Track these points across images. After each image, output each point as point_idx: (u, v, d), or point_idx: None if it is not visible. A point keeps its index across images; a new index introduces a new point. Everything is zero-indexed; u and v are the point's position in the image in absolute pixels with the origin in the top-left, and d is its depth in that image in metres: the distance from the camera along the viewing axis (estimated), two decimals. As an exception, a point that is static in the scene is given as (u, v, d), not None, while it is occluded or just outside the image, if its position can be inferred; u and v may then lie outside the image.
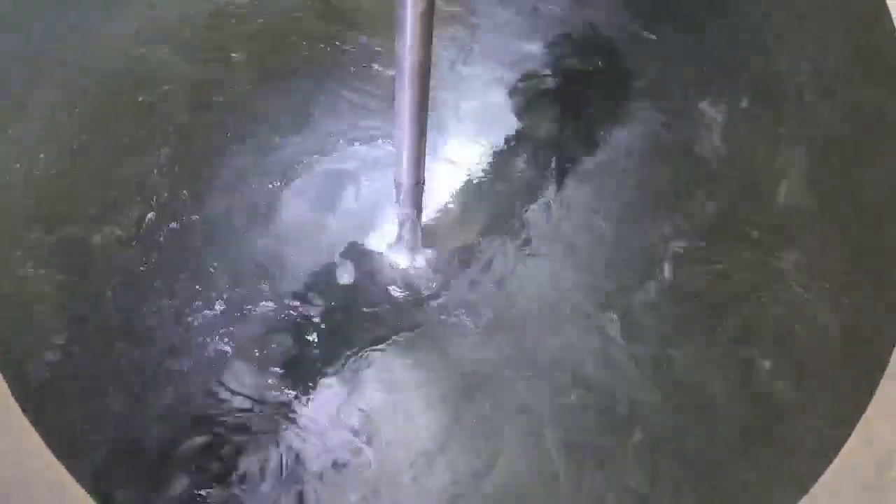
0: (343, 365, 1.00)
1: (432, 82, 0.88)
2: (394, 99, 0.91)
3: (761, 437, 0.94)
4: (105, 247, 1.05)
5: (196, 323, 1.01)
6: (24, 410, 0.91)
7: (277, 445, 0.95)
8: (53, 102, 1.14)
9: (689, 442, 0.96)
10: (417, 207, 1.07)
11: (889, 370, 0.89)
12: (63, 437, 0.91)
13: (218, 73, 1.20)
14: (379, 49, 1.22)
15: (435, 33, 0.83)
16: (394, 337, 1.03)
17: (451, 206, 1.14)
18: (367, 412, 0.97)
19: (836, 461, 0.86)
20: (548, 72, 1.23)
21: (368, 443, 0.95)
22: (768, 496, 0.89)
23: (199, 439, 0.94)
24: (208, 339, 1.01)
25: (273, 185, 1.12)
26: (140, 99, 1.16)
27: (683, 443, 0.96)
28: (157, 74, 1.18)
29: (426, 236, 1.10)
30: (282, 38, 1.24)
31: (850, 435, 0.86)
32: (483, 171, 1.16)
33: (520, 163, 1.16)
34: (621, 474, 0.94)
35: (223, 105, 1.18)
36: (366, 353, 1.01)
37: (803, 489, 0.87)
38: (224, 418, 0.96)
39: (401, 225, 1.08)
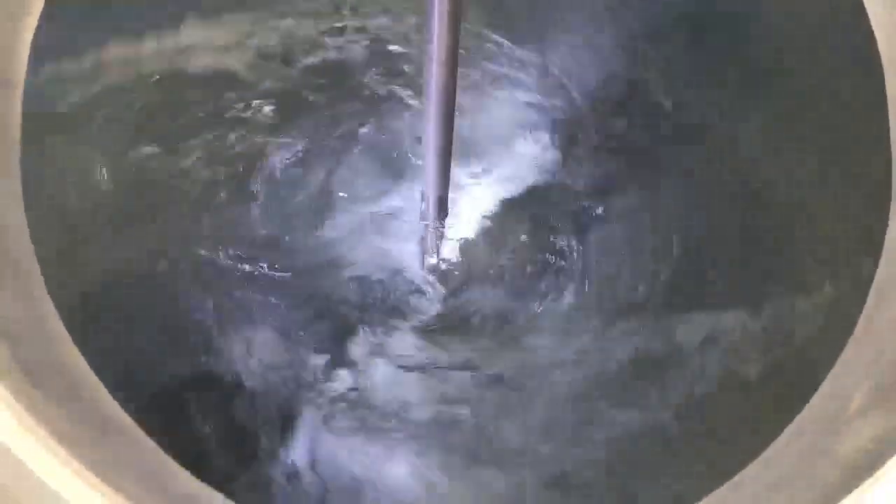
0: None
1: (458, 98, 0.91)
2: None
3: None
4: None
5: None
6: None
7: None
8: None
9: (648, 407, 0.98)
10: (442, 220, 1.09)
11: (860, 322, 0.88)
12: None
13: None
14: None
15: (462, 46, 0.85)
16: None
17: (476, 220, 1.16)
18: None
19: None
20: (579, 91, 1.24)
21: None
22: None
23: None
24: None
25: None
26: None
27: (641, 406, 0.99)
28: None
29: (449, 249, 1.13)
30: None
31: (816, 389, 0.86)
32: (511, 187, 1.18)
33: (549, 181, 1.17)
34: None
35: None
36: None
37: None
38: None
39: (425, 236, 1.11)
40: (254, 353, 1.03)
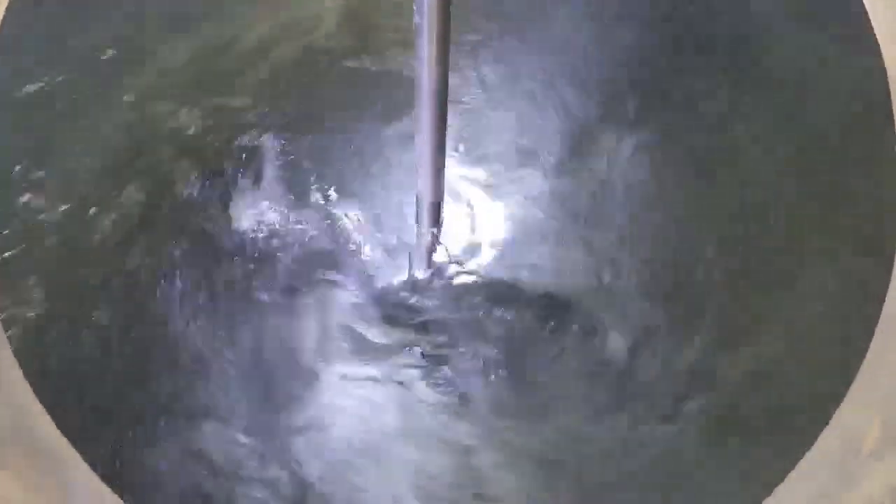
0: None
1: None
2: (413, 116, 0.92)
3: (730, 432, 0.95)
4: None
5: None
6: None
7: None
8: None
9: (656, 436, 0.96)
10: (437, 224, 1.07)
11: (868, 357, 0.85)
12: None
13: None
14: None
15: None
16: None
17: (470, 224, 1.14)
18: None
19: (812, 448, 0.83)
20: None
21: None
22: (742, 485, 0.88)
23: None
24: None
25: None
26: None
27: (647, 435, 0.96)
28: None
29: (443, 253, 1.11)
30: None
31: (827, 423, 0.83)
32: (505, 190, 1.16)
33: (543, 181, 1.15)
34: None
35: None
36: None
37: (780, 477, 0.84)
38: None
39: (419, 241, 1.09)
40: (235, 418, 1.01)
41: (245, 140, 1.14)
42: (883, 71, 1.03)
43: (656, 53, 1.16)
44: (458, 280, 1.10)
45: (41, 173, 1.08)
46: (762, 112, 1.10)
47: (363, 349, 1.04)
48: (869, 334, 0.87)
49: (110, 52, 1.16)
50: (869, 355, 0.85)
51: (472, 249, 1.12)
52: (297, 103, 1.18)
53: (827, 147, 1.05)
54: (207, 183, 1.11)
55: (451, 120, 0.89)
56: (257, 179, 1.12)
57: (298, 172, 1.14)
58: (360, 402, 1.01)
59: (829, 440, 0.82)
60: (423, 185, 1.00)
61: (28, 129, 1.12)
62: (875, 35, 1.02)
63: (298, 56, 1.20)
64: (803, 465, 0.81)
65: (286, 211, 1.11)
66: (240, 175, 1.12)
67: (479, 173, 1.16)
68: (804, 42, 1.08)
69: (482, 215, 1.14)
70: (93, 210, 1.08)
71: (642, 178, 1.12)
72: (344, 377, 1.02)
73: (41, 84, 1.12)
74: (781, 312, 0.99)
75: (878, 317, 0.86)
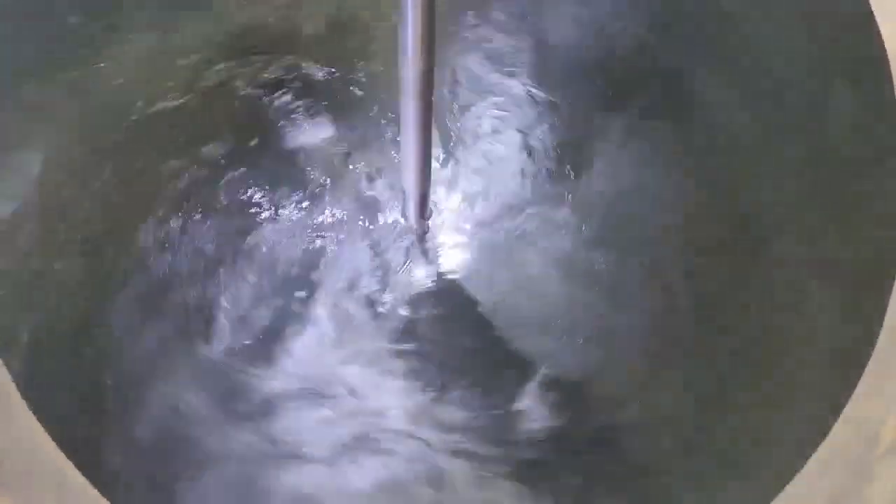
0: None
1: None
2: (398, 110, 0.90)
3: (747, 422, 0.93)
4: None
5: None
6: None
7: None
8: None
9: (672, 429, 0.95)
10: (423, 217, 1.06)
11: (878, 347, 0.84)
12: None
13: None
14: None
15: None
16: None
17: (458, 217, 1.13)
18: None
19: (825, 443, 0.82)
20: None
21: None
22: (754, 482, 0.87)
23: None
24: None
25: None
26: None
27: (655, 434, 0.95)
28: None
29: (430, 246, 1.10)
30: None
31: (839, 416, 0.82)
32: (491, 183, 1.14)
33: (531, 177, 1.14)
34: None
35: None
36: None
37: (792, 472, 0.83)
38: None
39: (406, 234, 1.08)
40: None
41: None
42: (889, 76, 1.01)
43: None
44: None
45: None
46: (764, 112, 1.08)
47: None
48: (877, 328, 0.83)
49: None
50: (877, 352, 0.83)
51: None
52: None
53: (830, 147, 1.02)
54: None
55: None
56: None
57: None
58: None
59: (842, 435, 0.80)
60: (409, 176, 0.98)
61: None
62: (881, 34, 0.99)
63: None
64: (815, 461, 0.79)
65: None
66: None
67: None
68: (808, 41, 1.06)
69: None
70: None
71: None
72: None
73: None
74: (788, 308, 0.99)
75: (883, 313, 0.83)
